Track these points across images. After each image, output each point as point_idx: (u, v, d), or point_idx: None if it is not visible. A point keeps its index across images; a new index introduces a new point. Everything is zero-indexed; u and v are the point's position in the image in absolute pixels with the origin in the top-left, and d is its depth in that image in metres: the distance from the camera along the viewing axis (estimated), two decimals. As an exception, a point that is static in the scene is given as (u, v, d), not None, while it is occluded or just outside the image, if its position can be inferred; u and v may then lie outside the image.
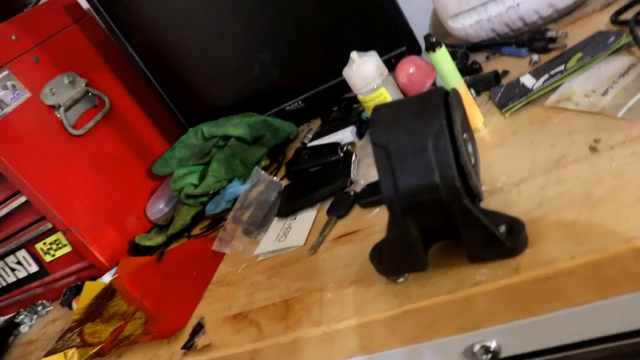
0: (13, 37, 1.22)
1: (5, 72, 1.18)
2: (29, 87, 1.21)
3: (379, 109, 0.55)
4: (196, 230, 1.18)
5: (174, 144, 1.31)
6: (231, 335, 0.76)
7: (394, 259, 0.58)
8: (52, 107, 1.23)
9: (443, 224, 0.54)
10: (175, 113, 1.41)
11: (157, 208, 1.33)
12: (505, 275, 0.54)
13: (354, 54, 0.88)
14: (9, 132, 1.16)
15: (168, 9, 1.26)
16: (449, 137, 0.50)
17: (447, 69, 0.75)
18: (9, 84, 1.18)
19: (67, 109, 1.25)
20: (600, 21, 0.90)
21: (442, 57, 0.74)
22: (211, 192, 1.18)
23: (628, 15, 0.84)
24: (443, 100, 0.52)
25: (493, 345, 0.60)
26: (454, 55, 1.03)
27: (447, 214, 0.52)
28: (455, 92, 0.54)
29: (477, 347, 0.61)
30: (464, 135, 0.54)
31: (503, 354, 0.62)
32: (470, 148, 0.55)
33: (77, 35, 1.36)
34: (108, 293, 1.16)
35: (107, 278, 1.21)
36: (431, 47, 0.73)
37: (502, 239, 0.53)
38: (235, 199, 1.08)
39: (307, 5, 1.16)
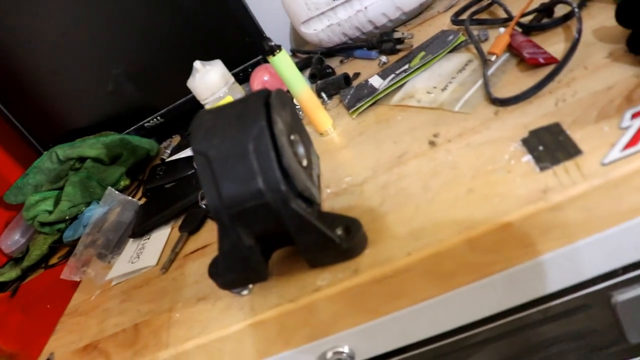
0: None
1: None
2: None
3: (200, 115, 0.51)
4: (54, 260, 1.10)
5: (27, 169, 1.21)
6: (80, 370, 0.70)
7: (231, 272, 0.54)
8: None
9: (277, 230, 0.51)
10: (27, 137, 1.30)
11: (12, 240, 1.22)
12: (346, 277, 0.52)
13: (197, 64, 0.85)
14: None
15: (9, 26, 1.17)
16: (270, 139, 0.47)
17: (288, 73, 0.73)
18: None
19: None
20: (443, 22, 0.92)
21: (282, 61, 0.72)
22: (67, 217, 1.09)
23: (465, 15, 0.87)
24: (264, 102, 0.49)
25: (345, 350, 0.58)
26: (309, 62, 1.02)
27: (277, 219, 0.49)
28: (279, 92, 0.52)
29: (329, 354, 0.59)
30: (292, 137, 0.51)
31: (358, 358, 0.60)
32: (301, 150, 0.53)
33: None
34: (-46, 341, 1.04)
35: (-48, 324, 1.09)
36: (270, 51, 0.71)
37: (338, 241, 0.51)
38: (92, 223, 1.01)
39: (158, 17, 1.12)
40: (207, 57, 0.96)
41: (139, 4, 1.11)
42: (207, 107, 0.87)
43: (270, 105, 0.49)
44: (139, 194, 1.08)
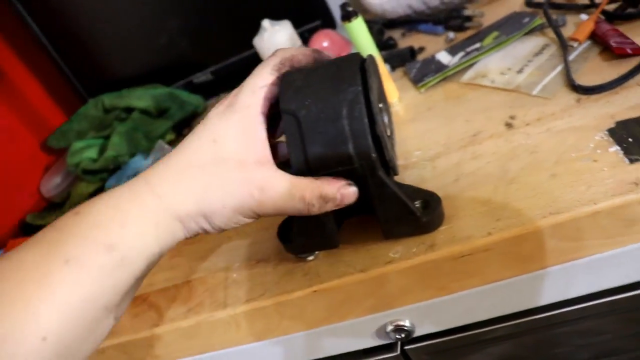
0: None
1: None
2: None
3: (290, 73, 0.50)
4: (94, 209, 1.10)
5: (72, 115, 1.22)
6: (129, 320, 0.70)
7: (303, 237, 0.54)
8: None
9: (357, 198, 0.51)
10: (74, 82, 1.30)
11: (53, 184, 1.23)
12: (420, 252, 0.51)
13: (265, 22, 0.83)
14: None
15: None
16: (364, 104, 0.46)
17: (363, 40, 0.71)
18: None
19: (-53, 74, 1.13)
20: (515, 2, 0.90)
21: (358, 27, 0.70)
22: (111, 167, 1.10)
23: (541, -3, 0.85)
24: (359, 66, 0.48)
25: (406, 324, 0.58)
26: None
27: (361, 187, 0.49)
28: (372, 58, 0.51)
29: (389, 327, 0.58)
30: (380, 105, 0.50)
31: (417, 333, 0.60)
32: (386, 119, 0.52)
33: (-40, -6, 1.23)
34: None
35: (-8, 260, 1.10)
36: (347, 16, 0.70)
37: (418, 213, 0.50)
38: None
39: (219, -28, 1.11)
40: (265, 17, 0.94)
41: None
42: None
43: (365, 70, 0.48)
44: (185, 150, 1.08)
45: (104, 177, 1.11)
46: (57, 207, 1.17)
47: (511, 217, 0.50)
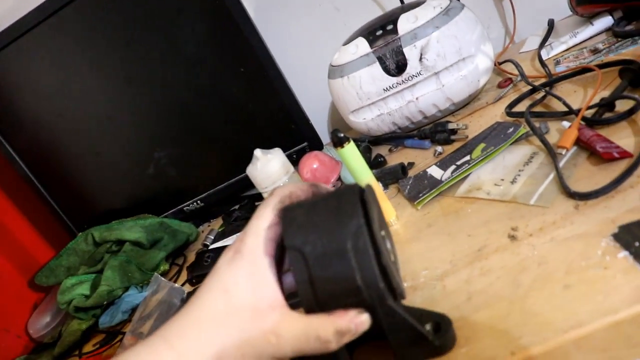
0: None
1: None
2: None
3: (291, 209, 0.51)
4: (89, 347, 1.06)
5: (61, 251, 1.20)
6: None
7: None
8: None
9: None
10: (62, 217, 1.30)
11: (42, 324, 1.20)
12: (444, 377, 0.50)
13: (257, 152, 0.85)
14: None
15: (53, 106, 1.19)
16: (368, 236, 0.47)
17: (357, 164, 0.73)
18: None
19: None
20: (495, 113, 0.93)
21: (351, 152, 0.72)
22: (105, 303, 1.07)
23: (521, 107, 0.88)
24: (359, 198, 0.49)
25: None
26: (356, 150, 1.02)
27: (371, 315, 0.48)
28: (370, 188, 0.52)
29: None
30: (382, 233, 0.51)
31: None
32: (388, 245, 0.53)
33: (-52, 137, 1.24)
34: None
35: (-22, 413, 1.05)
36: (339, 142, 0.71)
37: (430, 337, 0.49)
38: (133, 309, 0.98)
39: (203, 102, 1.14)
40: (252, 143, 0.97)
41: (186, 90, 1.14)
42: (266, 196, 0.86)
43: (365, 201, 0.49)
44: (181, 280, 1.06)
45: (97, 313, 1.08)
46: (47, 347, 1.13)
47: (532, 333, 0.49)
